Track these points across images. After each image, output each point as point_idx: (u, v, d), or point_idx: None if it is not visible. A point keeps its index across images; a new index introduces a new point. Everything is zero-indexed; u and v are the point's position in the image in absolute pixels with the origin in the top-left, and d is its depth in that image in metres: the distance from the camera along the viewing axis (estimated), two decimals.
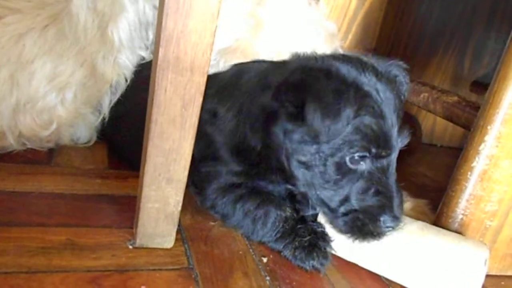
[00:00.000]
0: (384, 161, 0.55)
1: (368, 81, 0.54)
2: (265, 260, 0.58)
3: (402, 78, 0.62)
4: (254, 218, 0.61)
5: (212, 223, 0.64)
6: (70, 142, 0.79)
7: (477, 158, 0.60)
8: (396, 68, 0.62)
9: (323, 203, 0.58)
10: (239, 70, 0.68)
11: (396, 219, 0.55)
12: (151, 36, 0.89)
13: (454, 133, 1.47)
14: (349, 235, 0.56)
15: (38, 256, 0.49)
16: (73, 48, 0.72)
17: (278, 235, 0.59)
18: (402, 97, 0.62)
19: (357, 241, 0.56)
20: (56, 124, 0.73)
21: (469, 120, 0.68)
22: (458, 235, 0.60)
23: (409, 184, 0.62)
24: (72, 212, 0.59)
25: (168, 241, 0.55)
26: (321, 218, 0.61)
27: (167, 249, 0.55)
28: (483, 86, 1.32)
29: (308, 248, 0.57)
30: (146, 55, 0.86)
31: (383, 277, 0.59)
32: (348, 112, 0.51)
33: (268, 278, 0.55)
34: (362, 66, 0.56)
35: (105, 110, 0.81)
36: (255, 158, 0.62)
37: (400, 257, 0.57)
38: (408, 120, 1.47)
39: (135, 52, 0.83)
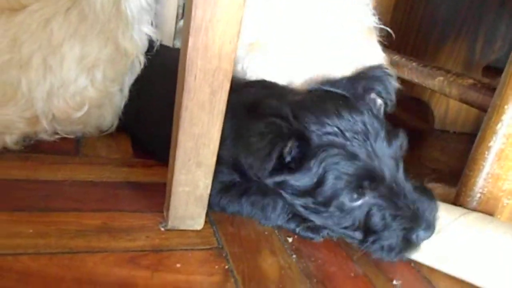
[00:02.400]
0: (383, 188, 0.54)
1: (331, 130, 0.54)
2: (290, 239, 0.61)
3: (377, 85, 0.61)
4: (262, 205, 0.62)
5: None
6: (95, 129, 0.82)
7: (494, 138, 0.62)
8: (367, 80, 0.61)
9: (347, 236, 0.59)
10: (259, 97, 0.63)
11: (429, 227, 0.53)
12: (156, 7, 0.91)
13: (467, 119, 1.48)
14: (381, 257, 0.56)
15: (77, 238, 0.52)
16: (95, 27, 0.74)
17: (290, 215, 0.61)
18: (388, 102, 0.62)
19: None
20: (87, 105, 0.76)
21: (485, 101, 0.69)
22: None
23: (423, 169, 0.62)
24: (104, 198, 0.62)
25: (198, 223, 0.58)
26: None
27: (197, 231, 0.58)
28: (495, 71, 1.32)
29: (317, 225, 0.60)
30: (151, 32, 0.87)
31: None
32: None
33: (294, 256, 0.57)
34: (325, 114, 0.55)
35: (126, 90, 0.83)
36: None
37: (462, 252, 0.57)
38: (420, 106, 1.48)
39: (141, 30, 0.85)
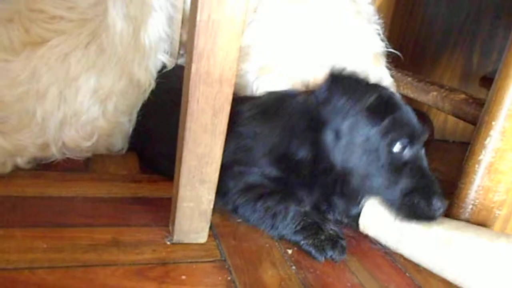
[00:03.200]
0: (418, 150, 0.65)
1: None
2: (290, 251, 0.64)
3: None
4: (274, 213, 0.66)
5: (238, 221, 0.69)
6: (105, 151, 0.85)
7: (483, 152, 0.65)
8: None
9: (380, 190, 0.65)
10: (279, 97, 0.75)
11: (443, 201, 0.62)
12: (176, 36, 0.95)
13: (465, 128, 1.51)
14: (404, 217, 0.63)
15: (89, 252, 0.55)
16: (112, 60, 0.78)
17: (298, 227, 0.64)
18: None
19: (410, 223, 0.63)
20: (97, 135, 0.80)
21: (476, 116, 0.73)
22: (495, 232, 0.63)
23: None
24: (113, 214, 0.65)
25: (202, 236, 0.61)
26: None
27: (201, 244, 0.61)
28: (492, 81, 1.35)
29: (327, 241, 0.63)
30: (166, 60, 0.91)
31: (400, 266, 0.64)
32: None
33: (294, 267, 0.60)
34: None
35: (135, 116, 0.87)
36: (298, 167, 0.68)
37: (442, 252, 0.61)
38: (420, 117, 1.51)
39: (156, 57, 0.89)
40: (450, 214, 0.70)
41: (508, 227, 0.69)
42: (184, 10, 1.05)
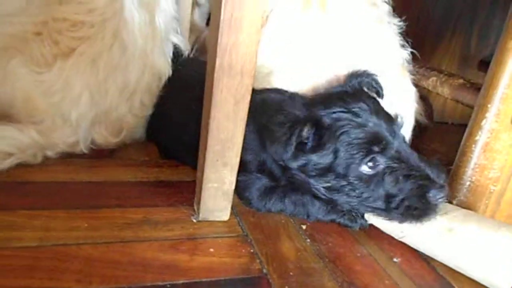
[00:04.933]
0: (391, 150, 0.63)
1: (338, 109, 0.64)
2: (304, 227, 0.70)
3: (367, 78, 0.73)
4: (303, 203, 0.71)
5: None
6: (128, 142, 0.91)
7: (480, 132, 0.71)
8: (361, 78, 0.73)
9: (372, 209, 0.66)
10: (262, 100, 0.73)
11: (442, 187, 0.61)
12: (185, 16, 0.98)
13: (463, 111, 1.56)
14: (408, 222, 0.63)
15: (125, 229, 0.61)
16: (134, 55, 0.82)
17: (329, 208, 0.70)
18: (379, 91, 0.74)
19: (416, 224, 0.62)
20: (125, 131, 0.85)
21: (473, 99, 0.78)
22: (499, 222, 0.65)
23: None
24: (141, 195, 0.71)
25: (225, 214, 0.67)
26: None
27: (224, 221, 0.67)
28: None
29: (356, 214, 0.70)
30: (178, 40, 0.95)
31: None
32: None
33: (308, 240, 0.66)
34: (331, 101, 0.66)
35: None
36: (281, 182, 0.71)
37: (444, 242, 0.63)
38: (421, 100, 1.56)
39: (169, 39, 0.93)
40: (449, 190, 0.75)
41: (502, 201, 0.75)
42: None
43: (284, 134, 0.61)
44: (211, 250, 0.60)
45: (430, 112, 1.52)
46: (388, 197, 0.63)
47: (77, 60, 0.79)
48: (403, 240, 0.68)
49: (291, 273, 0.58)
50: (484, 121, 0.70)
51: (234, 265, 0.58)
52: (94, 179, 0.75)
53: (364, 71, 0.74)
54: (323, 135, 0.63)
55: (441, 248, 0.63)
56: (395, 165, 0.63)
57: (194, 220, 0.66)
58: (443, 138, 1.46)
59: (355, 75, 0.73)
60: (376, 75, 0.74)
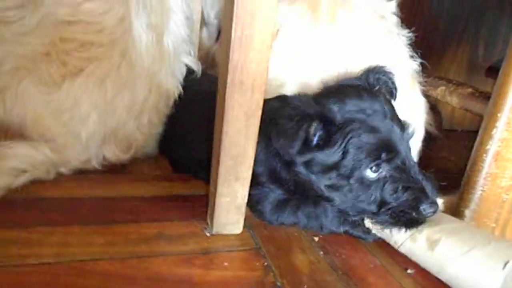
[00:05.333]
0: (398, 160, 0.63)
1: (352, 108, 0.63)
2: (316, 239, 0.70)
3: (385, 77, 0.71)
4: (316, 215, 0.71)
5: None
6: (140, 157, 0.92)
7: (490, 142, 0.71)
8: (379, 75, 0.71)
9: (364, 212, 0.66)
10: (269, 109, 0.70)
11: (434, 203, 0.62)
12: (194, 37, 1.00)
13: (472, 118, 1.55)
14: (395, 226, 0.64)
15: (140, 245, 0.62)
16: (141, 74, 0.84)
17: (342, 220, 0.70)
18: (393, 91, 0.72)
19: (402, 230, 0.64)
20: (134, 148, 0.87)
21: (483, 108, 0.78)
22: (488, 236, 0.64)
23: (434, 170, 0.68)
24: (154, 210, 0.72)
25: (237, 227, 0.68)
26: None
27: (237, 235, 0.68)
28: (498, 71, 1.40)
29: (367, 228, 0.70)
30: (190, 61, 0.96)
31: None
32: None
33: (321, 252, 0.67)
34: (345, 96, 0.64)
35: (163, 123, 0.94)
36: (291, 186, 0.71)
37: (429, 254, 0.63)
38: (430, 109, 1.56)
39: (181, 61, 0.95)
40: (460, 201, 0.76)
41: None
42: (202, 11, 1.10)
43: (292, 128, 0.60)
44: (225, 264, 0.61)
45: (440, 121, 1.52)
46: (382, 203, 0.64)
47: (85, 80, 0.80)
48: (400, 250, 0.68)
49: (305, 286, 0.58)
50: (494, 130, 0.70)
51: (248, 278, 0.58)
52: (108, 195, 0.76)
53: (382, 67, 0.72)
54: (333, 133, 0.62)
55: (426, 260, 0.63)
56: (397, 175, 0.63)
57: (208, 234, 0.67)
58: (452, 146, 1.45)
59: (373, 71, 0.72)
60: (393, 74, 0.73)
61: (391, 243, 0.68)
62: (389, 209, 0.63)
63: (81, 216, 0.68)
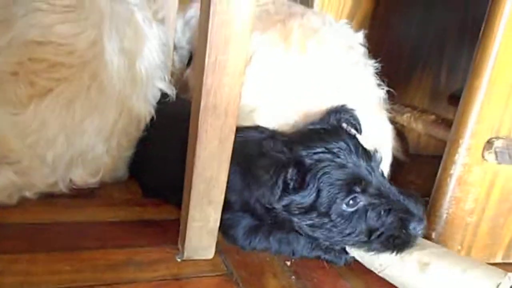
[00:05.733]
0: (371, 189, 0.65)
1: (319, 150, 0.66)
2: (288, 263, 0.70)
3: (345, 115, 0.75)
4: (288, 241, 0.71)
5: None
6: (109, 181, 0.90)
7: (453, 167, 0.74)
8: (340, 114, 0.75)
9: (354, 242, 0.67)
10: (243, 141, 0.72)
11: (421, 220, 0.64)
12: (168, 63, 1.00)
13: (437, 143, 1.61)
14: (387, 252, 0.64)
15: (108, 272, 0.60)
16: (112, 98, 0.83)
17: (314, 245, 0.70)
18: (357, 126, 0.76)
19: (396, 254, 0.64)
20: (102, 171, 0.85)
21: (445, 135, 0.82)
22: (474, 261, 0.65)
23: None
24: (124, 236, 0.71)
25: (209, 252, 0.67)
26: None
27: (209, 259, 0.67)
28: (459, 99, 1.47)
29: (339, 251, 0.71)
30: (164, 86, 0.96)
31: None
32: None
33: (293, 277, 0.67)
34: (311, 141, 0.68)
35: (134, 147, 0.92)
36: (269, 221, 0.71)
37: (419, 277, 0.63)
38: (397, 135, 1.62)
39: (155, 86, 0.95)
40: (427, 222, 0.77)
41: (478, 231, 0.77)
42: (174, 37, 1.11)
43: (270, 178, 0.62)
44: None
45: (406, 147, 1.57)
46: (370, 231, 0.65)
47: (54, 101, 0.78)
48: (382, 274, 0.68)
49: None
50: (457, 156, 0.73)
51: None
52: (75, 219, 0.74)
53: (342, 107, 0.76)
54: (305, 176, 0.65)
55: (416, 282, 0.64)
56: (376, 201, 0.65)
57: (179, 260, 0.66)
58: (419, 170, 1.49)
59: (333, 111, 0.75)
60: (354, 110, 0.76)
61: (374, 266, 0.68)
62: (379, 235, 0.64)
63: (46, 242, 0.65)
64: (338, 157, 0.65)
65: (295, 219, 0.67)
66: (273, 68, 0.89)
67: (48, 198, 0.80)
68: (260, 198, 0.65)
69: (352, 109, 0.76)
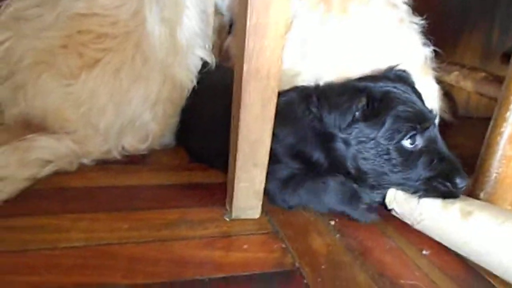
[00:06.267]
0: (430, 133, 0.69)
1: (387, 86, 0.71)
2: (332, 223, 0.72)
3: (403, 73, 0.79)
4: (316, 191, 0.73)
5: None
6: (158, 148, 0.95)
7: (505, 124, 0.71)
8: (400, 72, 0.79)
9: (399, 183, 0.70)
10: (289, 102, 0.76)
11: (465, 178, 0.67)
12: (208, 31, 1.02)
13: (488, 104, 1.54)
14: (429, 196, 0.68)
15: (163, 229, 0.65)
16: (155, 67, 0.86)
17: (340, 197, 0.72)
18: (414, 86, 0.77)
19: (438, 200, 0.67)
20: (151, 138, 0.89)
21: (497, 92, 0.79)
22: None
23: None
24: (175, 198, 0.75)
25: (256, 212, 0.70)
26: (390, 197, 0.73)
27: (255, 219, 0.70)
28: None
29: (366, 208, 0.72)
30: (204, 54, 0.98)
31: None
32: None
33: (338, 235, 0.68)
34: (378, 79, 0.73)
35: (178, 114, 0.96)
36: (315, 165, 0.74)
37: (461, 226, 0.64)
38: (445, 96, 1.56)
39: (195, 54, 0.97)
40: (475, 184, 0.76)
41: None
42: (215, 4, 1.12)
43: (345, 102, 0.66)
44: (245, 246, 0.63)
45: (454, 108, 1.51)
46: (419, 174, 0.68)
47: (102, 71, 0.83)
48: (420, 226, 0.69)
49: (323, 267, 0.60)
50: (508, 113, 0.70)
51: (267, 260, 0.60)
52: (130, 183, 0.79)
53: (400, 66, 0.79)
54: (374, 106, 0.68)
55: (457, 230, 0.64)
56: (431, 147, 0.68)
57: (227, 219, 0.69)
58: (468, 132, 1.44)
59: (392, 68, 0.79)
60: (409, 73, 0.79)
61: (413, 216, 0.69)
62: (428, 179, 0.68)
63: (105, 204, 0.70)
64: (404, 94, 0.69)
65: (353, 152, 0.69)
66: (314, 31, 0.88)
67: (104, 164, 0.86)
68: (332, 122, 0.68)
69: (407, 70, 0.79)
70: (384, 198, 0.73)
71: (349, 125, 0.68)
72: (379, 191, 0.73)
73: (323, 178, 0.73)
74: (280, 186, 0.74)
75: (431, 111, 0.72)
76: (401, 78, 0.77)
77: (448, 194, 0.67)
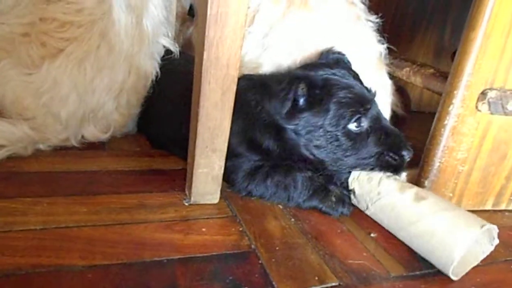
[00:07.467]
0: (373, 112, 0.73)
1: (327, 73, 0.73)
2: (288, 208, 0.75)
3: (341, 56, 0.82)
4: (285, 186, 0.75)
5: None
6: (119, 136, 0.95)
7: (447, 117, 0.77)
8: (336, 54, 0.82)
9: (357, 166, 0.74)
10: (246, 85, 0.77)
11: (409, 149, 0.74)
12: (171, 19, 1.02)
13: (439, 99, 1.63)
14: (381, 171, 0.73)
15: (122, 213, 0.66)
16: (121, 56, 0.85)
17: (310, 192, 0.74)
18: (350, 67, 0.81)
19: (397, 183, 0.72)
20: (113, 128, 0.89)
21: (443, 87, 0.84)
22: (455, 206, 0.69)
23: None
24: (135, 183, 0.76)
25: (214, 197, 0.72)
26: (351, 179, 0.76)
27: (214, 204, 0.72)
28: None
29: (337, 201, 0.75)
30: (167, 43, 0.98)
31: None
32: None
33: (292, 219, 0.72)
34: (318, 67, 0.75)
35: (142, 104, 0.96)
36: (269, 154, 0.76)
37: (419, 206, 0.68)
38: (398, 91, 1.63)
39: (159, 42, 0.97)
40: (420, 172, 0.82)
41: (470, 180, 0.81)
42: None
43: (283, 89, 0.68)
44: (203, 229, 0.65)
45: (407, 102, 1.58)
46: (371, 153, 0.73)
47: (65, 60, 0.81)
48: (372, 208, 0.74)
49: (277, 248, 0.63)
50: (451, 107, 0.76)
51: (225, 242, 0.63)
52: (89, 169, 0.79)
53: (337, 49, 0.83)
54: (316, 94, 0.70)
55: (408, 210, 0.68)
56: (377, 125, 0.73)
57: (186, 204, 0.71)
58: (420, 127, 1.52)
59: (330, 52, 0.83)
60: (345, 54, 0.83)
61: (369, 197, 0.73)
62: (379, 156, 0.73)
63: (63, 188, 0.70)
64: (345, 79, 0.72)
65: (304, 141, 0.72)
66: (277, 25, 0.90)
67: (61, 150, 0.85)
68: (272, 110, 0.71)
69: (344, 53, 0.82)
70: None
71: (296, 116, 0.70)
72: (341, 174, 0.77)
73: (291, 174, 0.75)
74: (246, 177, 0.76)
75: (369, 90, 0.75)
76: (339, 61, 0.80)
77: (397, 168, 0.74)
